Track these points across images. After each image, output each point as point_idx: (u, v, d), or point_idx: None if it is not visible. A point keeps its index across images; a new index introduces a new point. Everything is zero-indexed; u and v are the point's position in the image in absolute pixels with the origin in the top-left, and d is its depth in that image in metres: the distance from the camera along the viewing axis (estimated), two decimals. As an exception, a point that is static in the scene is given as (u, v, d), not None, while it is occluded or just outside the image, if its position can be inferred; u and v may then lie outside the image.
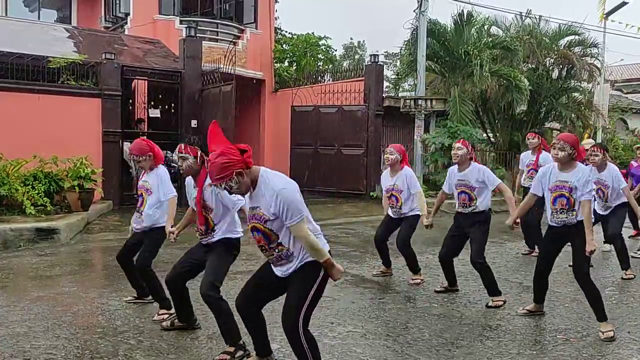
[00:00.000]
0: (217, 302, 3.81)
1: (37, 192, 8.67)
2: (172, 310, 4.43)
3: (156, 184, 4.68)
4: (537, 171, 6.26)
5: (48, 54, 10.57)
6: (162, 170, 4.77)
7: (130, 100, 12.17)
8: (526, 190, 7.04)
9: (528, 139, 7.49)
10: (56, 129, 9.82)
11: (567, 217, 4.42)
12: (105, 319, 4.60)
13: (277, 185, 2.97)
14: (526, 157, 7.46)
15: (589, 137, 8.85)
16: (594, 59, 16.10)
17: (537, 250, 7.03)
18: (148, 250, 4.66)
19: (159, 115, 12.34)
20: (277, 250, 3.11)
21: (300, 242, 3.03)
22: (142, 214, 4.67)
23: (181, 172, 4.08)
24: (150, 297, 4.85)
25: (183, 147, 4.04)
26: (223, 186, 2.96)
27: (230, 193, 3.12)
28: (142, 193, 4.74)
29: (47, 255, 7.04)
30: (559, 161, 4.45)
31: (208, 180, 3.66)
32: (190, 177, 4.13)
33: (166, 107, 12.16)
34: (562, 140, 4.43)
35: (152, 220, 4.65)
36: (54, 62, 10.19)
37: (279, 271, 3.21)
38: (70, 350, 3.91)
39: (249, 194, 3.09)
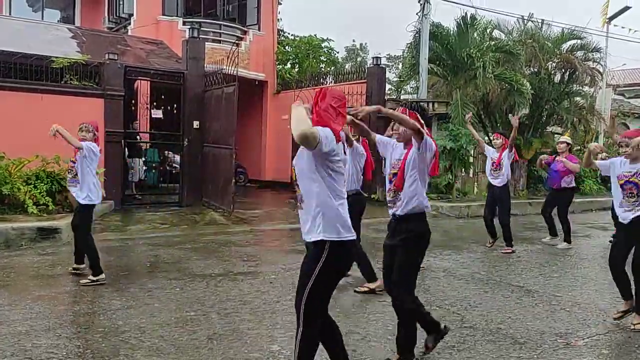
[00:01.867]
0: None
1: (39, 191, 8.69)
2: None
3: None
4: (500, 167, 7.89)
5: (51, 54, 10.58)
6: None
7: (133, 101, 12.19)
8: (490, 184, 8.23)
9: (493, 139, 8.34)
10: (58, 129, 9.82)
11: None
12: (106, 318, 4.61)
13: None
14: (491, 153, 8.14)
15: (569, 136, 9.09)
16: (596, 63, 16.12)
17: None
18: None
19: (161, 116, 12.37)
20: None
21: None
22: None
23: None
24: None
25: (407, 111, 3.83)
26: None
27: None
28: None
29: (48, 254, 7.05)
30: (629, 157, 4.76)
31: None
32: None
33: (169, 107, 12.19)
34: (627, 137, 4.81)
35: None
36: (57, 62, 10.21)
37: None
38: (71, 349, 3.91)
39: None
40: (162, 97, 12.24)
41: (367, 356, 3.92)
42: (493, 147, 8.20)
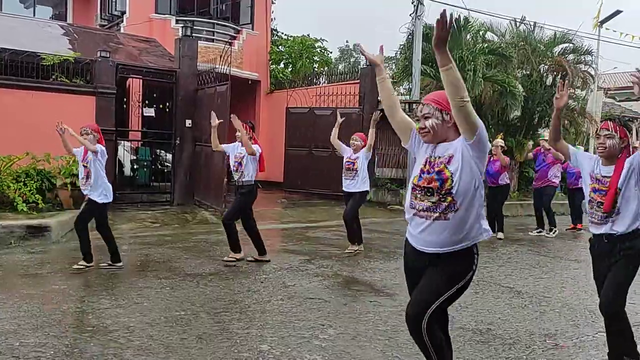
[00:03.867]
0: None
1: (29, 189, 8.63)
2: None
3: None
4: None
5: (43, 51, 10.52)
6: None
7: (125, 99, 12.13)
8: None
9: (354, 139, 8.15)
10: (49, 126, 9.70)
11: None
12: (95, 317, 4.58)
13: None
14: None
15: (501, 138, 9.45)
16: (587, 66, 16.20)
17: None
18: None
19: (153, 114, 12.32)
20: None
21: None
22: None
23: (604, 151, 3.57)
24: None
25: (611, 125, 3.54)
26: None
27: None
28: None
29: (37, 252, 7.01)
30: None
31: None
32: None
33: (161, 106, 12.14)
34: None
35: None
36: (46, 60, 10.14)
37: None
38: (59, 348, 3.88)
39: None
40: (154, 95, 12.18)
41: (358, 356, 3.91)
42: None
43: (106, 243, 6.38)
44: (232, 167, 6.95)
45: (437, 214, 2.75)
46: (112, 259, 6.34)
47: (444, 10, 2.53)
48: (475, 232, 2.79)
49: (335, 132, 7.65)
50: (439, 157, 2.79)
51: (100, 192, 6.14)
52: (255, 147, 6.78)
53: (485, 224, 2.83)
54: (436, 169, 2.76)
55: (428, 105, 2.78)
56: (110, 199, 6.32)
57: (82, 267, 6.11)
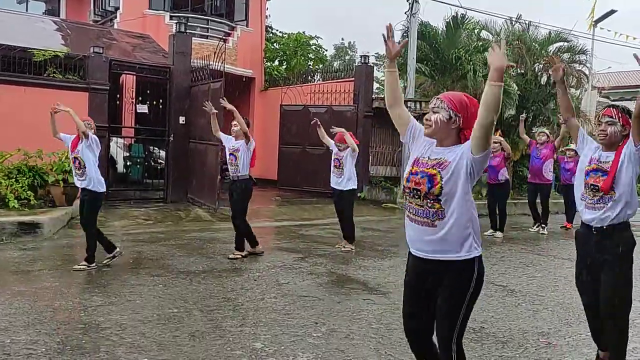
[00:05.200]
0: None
1: (20, 185, 8.57)
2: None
3: None
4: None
5: (35, 47, 10.44)
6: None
7: (118, 95, 12.06)
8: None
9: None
10: (42, 123, 9.64)
11: None
12: (87, 314, 4.55)
13: None
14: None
15: (499, 135, 9.63)
16: (582, 65, 16.25)
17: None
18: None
19: (146, 111, 12.25)
20: None
21: None
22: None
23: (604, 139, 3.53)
24: None
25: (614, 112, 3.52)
26: None
27: None
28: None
29: (29, 249, 6.95)
30: None
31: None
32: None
33: (154, 102, 12.08)
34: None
35: None
36: (37, 55, 10.07)
37: None
38: (51, 345, 3.85)
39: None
40: (148, 91, 12.12)
41: (351, 354, 3.90)
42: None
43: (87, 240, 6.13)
44: (227, 160, 7.03)
45: (424, 219, 2.67)
46: (88, 259, 6.06)
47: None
48: (467, 247, 2.65)
49: (320, 133, 7.84)
50: (432, 159, 2.69)
51: (94, 182, 6.01)
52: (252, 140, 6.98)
53: (477, 243, 2.69)
54: (427, 172, 2.65)
55: (441, 100, 2.70)
56: (104, 189, 6.16)
57: (84, 266, 6.01)
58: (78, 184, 6.10)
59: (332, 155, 7.72)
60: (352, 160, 7.47)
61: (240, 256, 6.83)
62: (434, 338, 2.81)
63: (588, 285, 3.62)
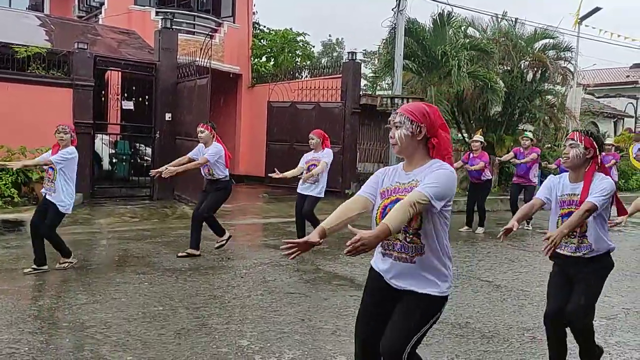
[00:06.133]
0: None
1: (4, 183, 8.48)
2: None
3: None
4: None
5: (18, 42, 10.29)
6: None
7: (103, 92, 11.94)
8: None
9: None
10: (25, 119, 9.58)
11: None
12: (71, 313, 4.50)
13: None
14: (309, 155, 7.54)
15: (480, 134, 9.75)
16: (567, 62, 16.39)
17: None
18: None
19: (132, 108, 12.14)
20: None
21: None
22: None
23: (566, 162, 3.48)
24: None
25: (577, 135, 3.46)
26: None
27: None
28: None
29: (13, 247, 6.87)
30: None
31: None
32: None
33: (140, 99, 11.97)
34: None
35: None
36: (19, 52, 9.93)
37: None
38: (34, 344, 3.81)
39: None
40: (134, 88, 12.01)
41: (337, 351, 3.91)
42: None
43: (53, 246, 5.85)
44: (202, 172, 6.87)
45: (402, 255, 2.52)
46: (64, 255, 5.90)
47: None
48: (444, 286, 2.54)
49: (285, 175, 7.24)
50: (404, 184, 2.53)
51: (61, 199, 5.67)
52: (218, 147, 6.66)
53: (449, 270, 2.58)
54: (402, 198, 2.45)
55: (401, 114, 2.55)
56: (69, 211, 5.81)
57: (65, 264, 5.88)
58: (43, 191, 5.81)
59: (305, 162, 7.40)
60: (325, 172, 7.33)
61: (224, 241, 6.88)
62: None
63: (558, 293, 3.51)
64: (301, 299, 5.11)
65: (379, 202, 2.59)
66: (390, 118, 2.64)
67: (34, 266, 5.71)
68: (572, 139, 3.44)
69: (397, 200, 2.47)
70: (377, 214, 2.58)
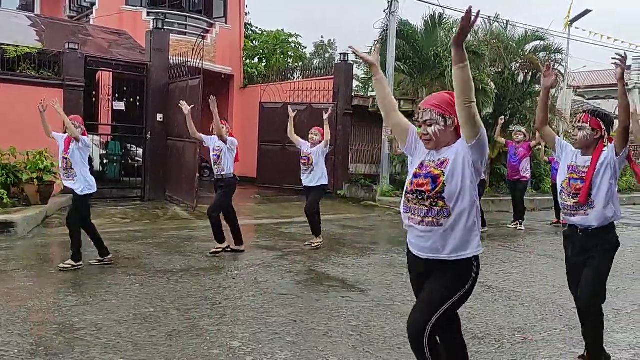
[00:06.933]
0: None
1: (-7, 183, 8.40)
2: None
3: None
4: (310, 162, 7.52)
5: (8, 43, 10.23)
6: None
7: (94, 92, 11.89)
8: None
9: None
10: (15, 120, 9.52)
11: None
12: (61, 315, 4.47)
13: None
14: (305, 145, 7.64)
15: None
16: (558, 64, 16.46)
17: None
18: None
19: (123, 108, 12.10)
20: None
21: None
22: None
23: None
24: None
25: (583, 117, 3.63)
26: None
27: None
28: None
29: (3, 249, 6.81)
30: None
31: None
32: None
33: (131, 99, 11.93)
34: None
35: None
36: (9, 52, 9.87)
37: None
38: (23, 347, 3.78)
39: None
40: (125, 88, 11.97)
41: (329, 352, 3.90)
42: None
43: (91, 239, 6.14)
44: (211, 159, 7.04)
45: (429, 219, 2.64)
46: (100, 254, 6.18)
47: (470, 7, 2.39)
48: (471, 244, 2.67)
49: (290, 127, 7.63)
50: (435, 161, 2.67)
51: (83, 184, 5.90)
52: (232, 139, 7.03)
53: (479, 238, 2.71)
54: (429, 172, 2.64)
55: (430, 110, 2.65)
56: (94, 189, 6.05)
57: (68, 266, 5.87)
58: (66, 184, 6.04)
59: (301, 153, 7.64)
60: (322, 156, 7.46)
61: (220, 249, 6.89)
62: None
63: (575, 281, 3.67)
64: (293, 300, 5.10)
65: (413, 169, 2.75)
66: (416, 117, 2.73)
67: (71, 262, 5.90)
68: (579, 121, 3.58)
69: (427, 174, 2.65)
70: (408, 179, 2.75)
